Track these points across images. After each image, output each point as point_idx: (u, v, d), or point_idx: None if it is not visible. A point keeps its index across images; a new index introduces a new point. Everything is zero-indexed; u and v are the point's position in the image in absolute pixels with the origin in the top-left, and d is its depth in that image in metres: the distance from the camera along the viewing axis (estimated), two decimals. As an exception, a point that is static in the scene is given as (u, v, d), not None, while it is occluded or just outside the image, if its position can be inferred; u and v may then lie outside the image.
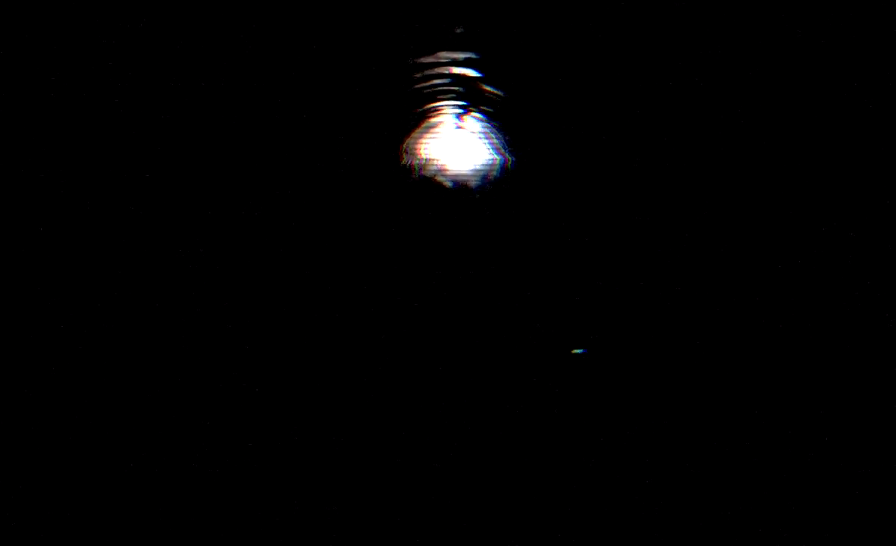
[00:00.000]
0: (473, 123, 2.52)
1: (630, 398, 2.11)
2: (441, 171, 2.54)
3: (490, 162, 2.48)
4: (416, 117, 2.48)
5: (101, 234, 1.98)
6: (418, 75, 2.33)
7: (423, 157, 2.53)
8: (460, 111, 2.50)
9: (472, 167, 2.52)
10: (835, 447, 1.83)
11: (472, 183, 2.50)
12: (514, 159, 2.42)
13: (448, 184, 2.52)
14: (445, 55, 2.24)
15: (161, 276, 2.05)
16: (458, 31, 2.05)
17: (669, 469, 1.89)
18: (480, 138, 2.51)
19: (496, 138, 2.46)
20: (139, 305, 2.02)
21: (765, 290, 2.06)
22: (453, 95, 2.46)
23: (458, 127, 2.54)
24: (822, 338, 1.95)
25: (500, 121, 2.45)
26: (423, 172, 2.53)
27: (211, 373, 2.06)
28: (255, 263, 2.21)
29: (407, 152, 2.49)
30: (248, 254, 2.20)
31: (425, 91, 2.41)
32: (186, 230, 2.11)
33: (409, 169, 2.50)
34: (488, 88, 2.41)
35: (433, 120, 2.51)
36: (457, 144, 2.54)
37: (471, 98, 2.47)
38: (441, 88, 2.42)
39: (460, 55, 2.26)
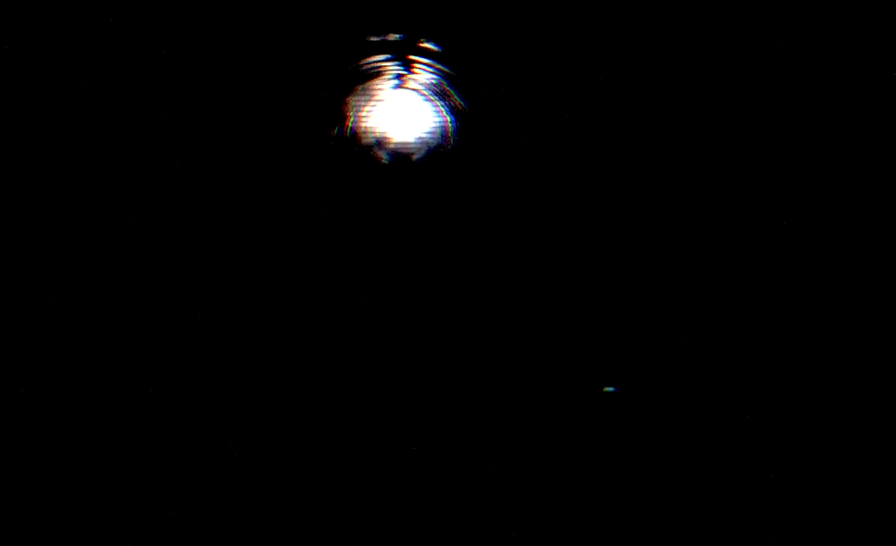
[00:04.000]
0: (417, 82, 2.11)
1: (628, 398, 2.03)
2: (382, 140, 2.12)
3: (438, 127, 2.10)
4: (350, 80, 2.03)
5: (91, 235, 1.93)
6: (348, 32, 1.90)
7: (362, 125, 2.09)
8: (401, 69, 2.08)
9: (417, 134, 2.12)
10: (835, 447, 1.84)
11: (418, 153, 2.12)
12: (461, 123, 2.07)
13: (389, 155, 2.11)
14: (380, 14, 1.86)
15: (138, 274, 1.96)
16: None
17: (669, 470, 1.86)
18: (425, 100, 2.11)
19: (444, 98, 2.08)
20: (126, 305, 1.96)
21: (765, 291, 2.01)
22: (391, 52, 2.04)
23: (399, 86, 2.12)
24: (823, 338, 1.95)
25: (450, 76, 2.07)
26: (362, 143, 2.09)
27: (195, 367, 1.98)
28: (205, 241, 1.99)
29: (345, 121, 2.04)
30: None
31: (359, 50, 1.97)
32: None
33: (348, 140, 2.06)
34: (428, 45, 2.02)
35: (369, 81, 2.06)
36: (399, 108, 2.12)
37: (413, 52, 2.06)
38: (377, 45, 1.99)
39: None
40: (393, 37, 1.98)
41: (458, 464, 1.89)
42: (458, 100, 2.02)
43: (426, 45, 2.04)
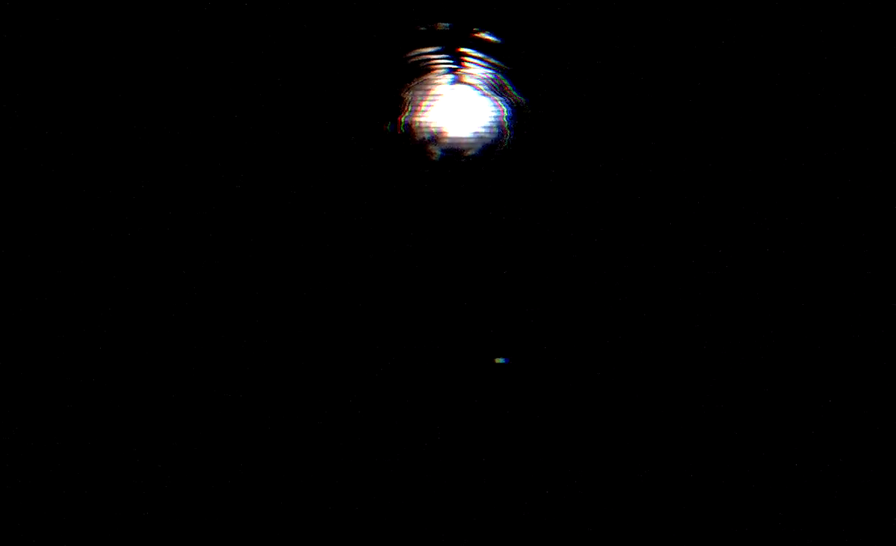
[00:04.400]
0: (473, 77, 2.05)
1: (627, 398, 1.98)
2: (438, 136, 2.07)
3: (495, 124, 2.03)
4: (406, 75, 1.98)
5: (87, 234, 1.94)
6: (405, 26, 1.85)
7: (419, 121, 2.04)
8: (456, 65, 2.02)
9: (473, 131, 2.06)
10: (835, 447, 1.83)
11: (473, 150, 2.06)
12: (518, 121, 1.99)
13: (444, 151, 2.06)
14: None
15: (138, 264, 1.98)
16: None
17: (668, 469, 1.85)
18: (482, 96, 2.05)
19: (501, 95, 2.01)
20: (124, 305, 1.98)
21: (764, 290, 1.95)
22: (446, 47, 1.98)
23: (456, 80, 2.06)
24: (823, 338, 1.92)
25: (506, 72, 2.00)
26: (419, 137, 2.04)
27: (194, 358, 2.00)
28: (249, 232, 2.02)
29: (399, 116, 2.00)
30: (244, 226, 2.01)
31: (414, 42, 1.92)
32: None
33: (404, 135, 2.01)
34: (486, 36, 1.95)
35: (426, 76, 2.01)
36: (455, 104, 2.07)
37: (467, 45, 2.00)
38: (432, 40, 1.93)
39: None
40: (444, 26, 1.93)
41: (459, 464, 1.88)
42: (516, 95, 1.95)
43: (483, 35, 1.97)
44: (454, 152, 2.07)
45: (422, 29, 1.93)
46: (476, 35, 1.95)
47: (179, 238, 1.99)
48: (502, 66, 1.94)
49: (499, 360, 1.96)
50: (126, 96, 1.93)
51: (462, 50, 2.00)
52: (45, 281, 1.94)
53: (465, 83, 2.06)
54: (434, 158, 2.08)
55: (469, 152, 2.06)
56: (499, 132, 2.03)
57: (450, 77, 2.05)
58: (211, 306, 2.01)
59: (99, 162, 1.94)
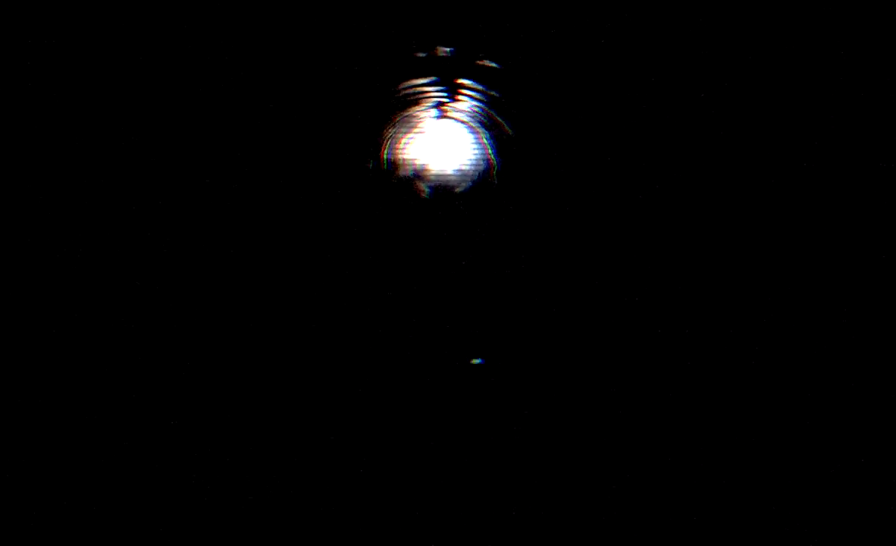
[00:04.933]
0: (458, 114, 2.02)
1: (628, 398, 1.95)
2: (422, 172, 2.02)
3: (477, 161, 2.00)
4: (392, 110, 1.94)
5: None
6: (394, 64, 1.82)
7: (403, 156, 2.00)
8: (444, 99, 1.99)
9: (456, 167, 2.02)
10: (835, 447, 1.81)
11: (457, 185, 2.01)
12: (501, 158, 1.96)
13: (429, 187, 2.01)
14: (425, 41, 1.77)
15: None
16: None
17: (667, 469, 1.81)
18: (466, 133, 2.01)
19: (485, 132, 1.98)
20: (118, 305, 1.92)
21: (764, 290, 1.94)
22: (435, 82, 1.95)
23: (442, 115, 2.03)
24: (822, 338, 1.89)
25: (490, 109, 1.97)
26: (403, 174, 2.00)
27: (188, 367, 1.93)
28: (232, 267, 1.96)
29: (386, 152, 1.95)
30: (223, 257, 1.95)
31: (402, 80, 1.89)
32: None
33: (388, 171, 1.96)
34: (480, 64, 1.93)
35: (412, 112, 1.97)
36: (439, 140, 2.03)
37: (455, 82, 1.97)
38: (420, 76, 1.90)
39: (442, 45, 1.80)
40: (443, 51, 1.90)
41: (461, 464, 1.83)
42: (506, 127, 1.92)
43: (476, 63, 1.95)
44: (441, 188, 2.03)
45: (420, 55, 1.90)
46: (469, 64, 1.92)
47: (145, 266, 1.90)
48: (494, 96, 1.92)
49: (475, 361, 1.91)
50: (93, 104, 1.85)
51: (455, 81, 1.97)
52: (45, 280, 1.87)
53: (450, 117, 2.03)
54: (421, 195, 2.04)
55: (457, 188, 2.02)
56: (485, 167, 2.00)
57: (435, 111, 2.02)
58: (181, 341, 1.92)
59: (68, 165, 1.86)
